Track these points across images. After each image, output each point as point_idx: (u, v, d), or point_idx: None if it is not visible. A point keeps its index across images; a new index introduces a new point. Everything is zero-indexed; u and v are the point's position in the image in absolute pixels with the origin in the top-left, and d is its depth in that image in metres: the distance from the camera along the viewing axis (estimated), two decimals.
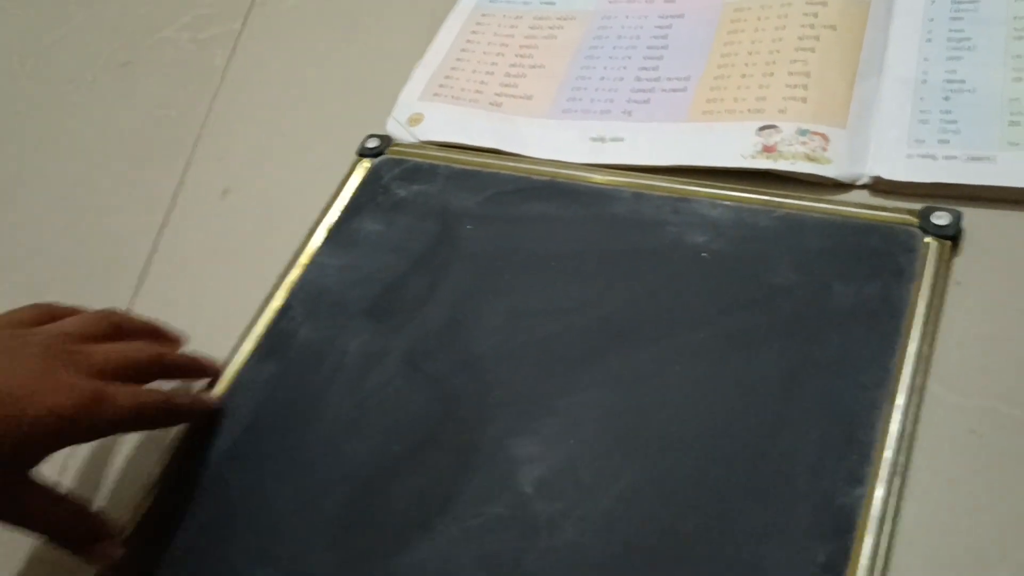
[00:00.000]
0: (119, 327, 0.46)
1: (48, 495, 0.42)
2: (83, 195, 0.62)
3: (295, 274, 0.54)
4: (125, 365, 0.44)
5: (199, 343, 0.53)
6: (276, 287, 0.53)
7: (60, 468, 0.49)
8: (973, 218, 0.46)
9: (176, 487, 0.47)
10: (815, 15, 0.58)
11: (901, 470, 0.39)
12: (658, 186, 0.52)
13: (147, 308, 0.56)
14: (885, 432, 0.40)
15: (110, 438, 0.50)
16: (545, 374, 0.46)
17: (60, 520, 0.42)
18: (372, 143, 0.59)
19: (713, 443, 0.42)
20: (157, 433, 0.49)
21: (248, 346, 0.51)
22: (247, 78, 0.66)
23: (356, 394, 0.48)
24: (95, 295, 0.56)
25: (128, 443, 0.50)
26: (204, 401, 0.49)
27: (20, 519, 0.41)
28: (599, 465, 0.43)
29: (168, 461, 0.48)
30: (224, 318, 0.53)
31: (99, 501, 0.48)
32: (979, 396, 0.41)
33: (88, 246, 0.60)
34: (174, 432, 0.49)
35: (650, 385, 0.45)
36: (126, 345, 0.45)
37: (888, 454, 0.40)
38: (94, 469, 0.49)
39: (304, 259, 0.54)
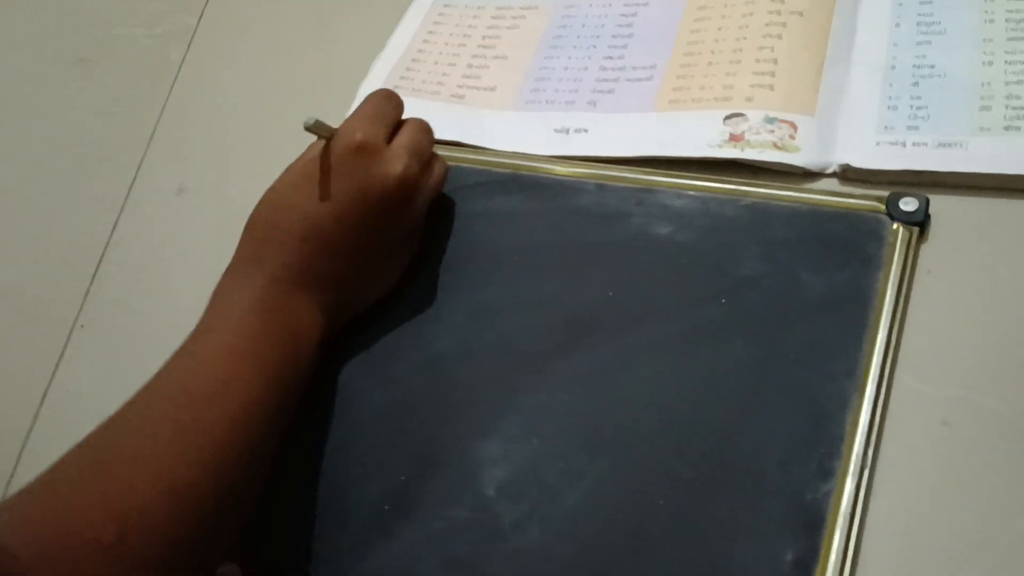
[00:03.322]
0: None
1: None
2: (35, 193, 0.60)
3: None
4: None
5: (152, 343, 0.51)
6: None
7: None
8: (942, 204, 0.45)
9: None
10: (782, 1, 0.56)
11: (870, 463, 0.38)
12: (622, 177, 0.51)
13: (99, 308, 0.54)
14: (854, 425, 0.39)
15: None
16: (508, 372, 0.45)
17: None
18: None
19: (680, 439, 0.41)
20: None
21: None
22: (204, 73, 0.65)
23: (314, 394, 0.46)
24: (46, 295, 0.55)
25: None
26: None
27: None
28: (563, 464, 0.42)
29: None
30: (177, 318, 0.51)
31: None
32: (950, 386, 0.40)
33: (39, 245, 0.58)
34: None
35: (615, 381, 0.43)
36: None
37: (857, 447, 0.38)
38: None
39: None
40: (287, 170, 0.48)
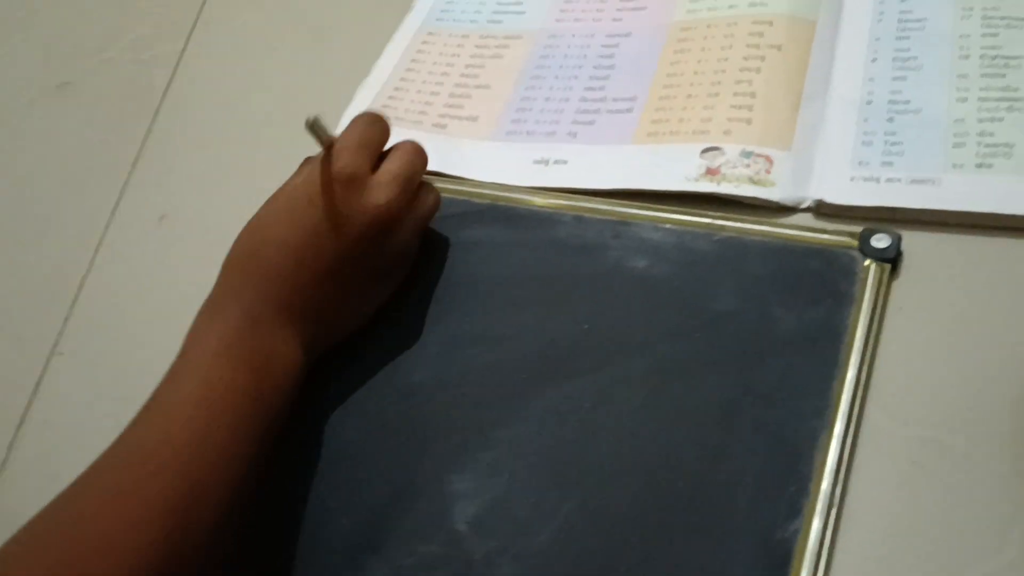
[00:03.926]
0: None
1: None
2: (15, 219, 0.60)
3: None
4: None
5: (133, 373, 0.51)
6: None
7: None
8: (915, 241, 0.46)
9: None
10: (761, 35, 0.57)
11: (838, 502, 0.38)
12: (599, 209, 0.51)
13: (79, 335, 0.54)
14: (823, 463, 0.39)
15: None
16: (482, 405, 0.45)
17: None
18: None
19: (652, 476, 0.41)
20: None
21: None
22: (188, 100, 0.65)
23: (291, 429, 0.46)
24: (25, 321, 0.55)
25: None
26: None
27: None
28: (535, 500, 0.42)
29: None
30: (158, 348, 0.52)
31: None
32: (919, 425, 0.40)
33: (19, 271, 0.58)
34: None
35: (588, 416, 0.44)
36: None
37: (825, 485, 0.39)
38: None
39: None
40: (269, 200, 0.48)
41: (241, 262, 0.45)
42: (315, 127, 0.45)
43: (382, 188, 0.46)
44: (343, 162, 0.45)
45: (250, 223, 0.47)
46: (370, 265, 0.47)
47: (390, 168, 0.47)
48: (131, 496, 0.37)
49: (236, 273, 0.45)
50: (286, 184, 0.48)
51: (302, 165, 0.49)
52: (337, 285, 0.45)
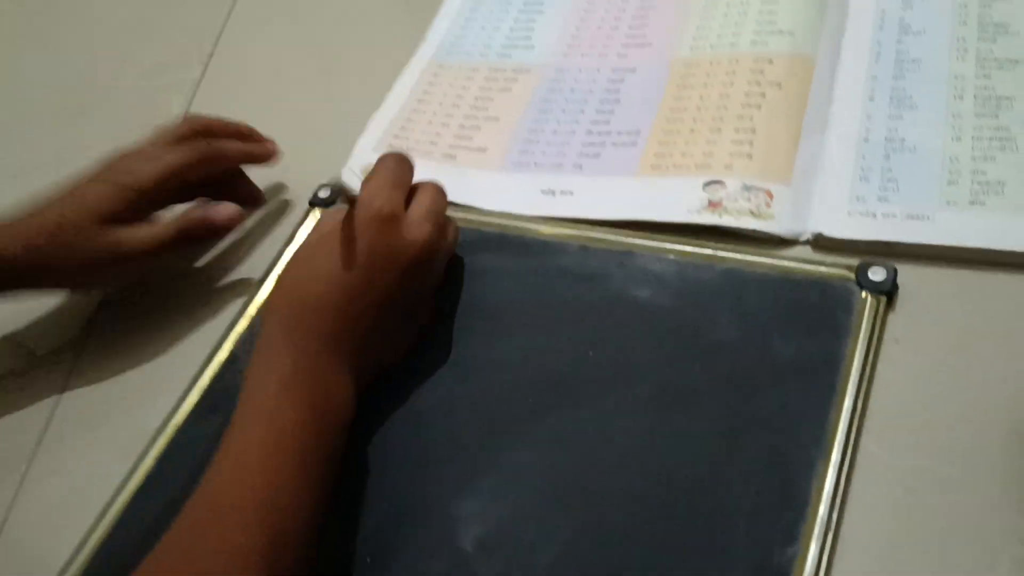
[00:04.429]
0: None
1: None
2: None
3: (243, 325, 0.54)
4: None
5: (141, 393, 0.53)
6: (223, 338, 0.53)
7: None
8: (910, 275, 0.47)
9: (124, 539, 0.47)
10: (762, 72, 0.59)
11: (834, 528, 0.39)
12: (605, 239, 0.53)
13: (93, 356, 0.55)
14: (820, 489, 0.40)
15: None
16: (488, 429, 0.46)
17: None
18: (324, 193, 0.59)
19: (653, 500, 0.43)
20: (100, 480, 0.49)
21: (192, 399, 0.51)
22: None
23: None
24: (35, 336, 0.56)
25: (78, 487, 0.49)
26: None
27: None
28: (539, 522, 0.43)
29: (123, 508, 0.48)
30: (168, 369, 0.53)
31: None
32: (913, 454, 0.42)
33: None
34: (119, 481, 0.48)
35: (591, 440, 0.45)
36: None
37: (822, 511, 0.40)
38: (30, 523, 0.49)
39: (252, 310, 0.54)
40: (305, 243, 0.50)
41: (287, 302, 0.47)
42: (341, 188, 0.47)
43: (421, 225, 0.48)
44: (381, 201, 0.47)
45: (288, 268, 0.49)
46: (411, 298, 0.49)
47: (424, 204, 0.49)
48: (221, 555, 0.38)
49: (287, 311, 0.46)
50: (318, 227, 0.50)
51: (320, 219, 0.51)
52: (382, 317, 0.47)
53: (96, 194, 0.53)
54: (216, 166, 0.57)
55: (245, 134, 0.59)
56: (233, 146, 0.58)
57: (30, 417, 0.53)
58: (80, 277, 0.55)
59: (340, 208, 0.50)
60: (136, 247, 0.53)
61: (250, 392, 0.43)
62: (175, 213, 0.56)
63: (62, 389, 0.54)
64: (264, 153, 0.59)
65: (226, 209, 0.56)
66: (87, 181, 0.54)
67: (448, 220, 0.51)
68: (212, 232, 0.56)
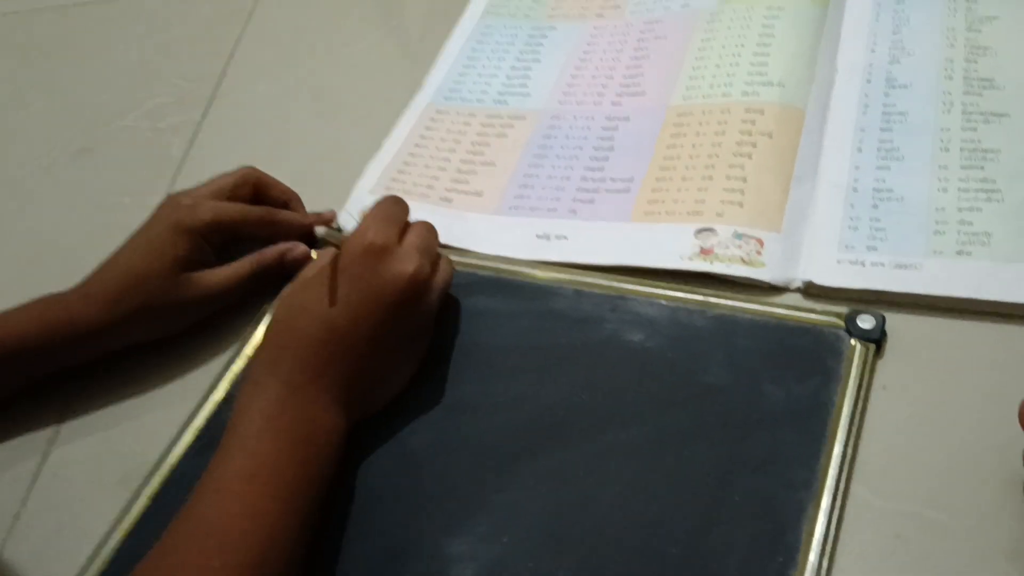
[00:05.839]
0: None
1: None
2: (33, 279, 0.62)
3: (239, 365, 0.54)
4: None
5: (136, 432, 0.53)
6: (219, 377, 0.53)
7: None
8: (899, 322, 0.48)
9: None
10: (753, 122, 0.60)
11: (824, 573, 0.40)
12: (598, 284, 0.53)
13: (96, 395, 0.55)
14: (810, 534, 0.41)
15: None
16: (479, 470, 0.47)
17: None
18: (321, 231, 0.60)
19: (645, 542, 0.43)
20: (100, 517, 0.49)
21: (188, 438, 0.51)
22: (204, 168, 0.67)
23: None
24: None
25: (73, 524, 0.49)
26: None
27: None
28: (531, 564, 0.43)
29: (117, 545, 0.47)
30: (164, 409, 0.53)
31: None
32: (903, 500, 0.42)
33: None
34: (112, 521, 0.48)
35: (583, 482, 0.45)
36: None
37: (812, 558, 0.40)
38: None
39: (249, 350, 0.55)
40: (299, 276, 0.51)
41: (275, 336, 0.48)
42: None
43: (410, 256, 0.49)
44: (373, 233, 0.48)
45: (283, 298, 0.50)
46: (401, 332, 0.49)
47: (412, 240, 0.50)
48: (204, 570, 0.39)
49: (273, 346, 0.47)
50: (315, 262, 0.51)
51: (316, 258, 0.53)
52: (373, 352, 0.47)
53: (171, 243, 0.53)
54: (270, 232, 0.58)
55: (293, 199, 0.60)
56: (291, 218, 0.59)
57: (25, 453, 0.53)
58: (166, 326, 0.55)
59: (332, 250, 0.51)
60: (219, 288, 0.54)
61: (234, 422, 0.44)
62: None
63: (58, 425, 0.54)
64: (315, 223, 0.60)
65: (299, 248, 0.57)
66: (155, 230, 0.54)
67: (440, 256, 0.52)
68: (285, 269, 0.56)
